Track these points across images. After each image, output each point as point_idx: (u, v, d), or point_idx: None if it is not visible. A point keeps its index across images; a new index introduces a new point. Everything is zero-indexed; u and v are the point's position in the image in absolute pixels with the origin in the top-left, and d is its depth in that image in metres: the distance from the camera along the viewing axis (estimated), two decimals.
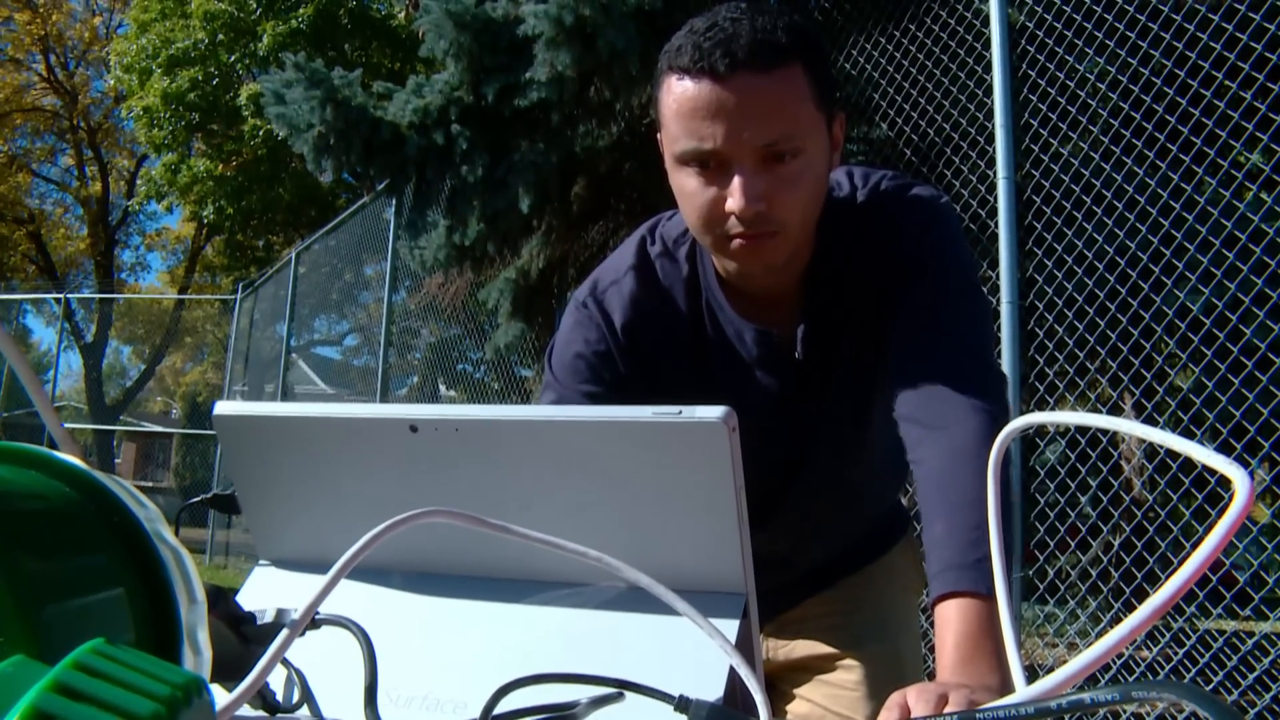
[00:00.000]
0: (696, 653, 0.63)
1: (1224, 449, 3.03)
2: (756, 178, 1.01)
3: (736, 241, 1.05)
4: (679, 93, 1.02)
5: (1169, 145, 3.21)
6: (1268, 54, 2.98)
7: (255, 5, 15.43)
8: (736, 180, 1.01)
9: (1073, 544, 3.64)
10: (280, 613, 0.59)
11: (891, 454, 1.39)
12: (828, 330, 1.19)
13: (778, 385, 1.21)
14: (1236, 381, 3.03)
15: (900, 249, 1.13)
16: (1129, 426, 0.61)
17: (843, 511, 1.36)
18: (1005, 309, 3.18)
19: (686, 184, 1.06)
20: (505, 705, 0.62)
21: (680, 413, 0.62)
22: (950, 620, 0.91)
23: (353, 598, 0.72)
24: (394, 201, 6.62)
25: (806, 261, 1.16)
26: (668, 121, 1.05)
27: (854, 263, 1.16)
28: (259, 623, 0.59)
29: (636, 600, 0.65)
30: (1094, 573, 3.62)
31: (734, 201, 1.01)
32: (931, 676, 0.96)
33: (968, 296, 1.13)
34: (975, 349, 1.10)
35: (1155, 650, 3.52)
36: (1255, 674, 2.95)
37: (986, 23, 3.54)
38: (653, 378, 1.21)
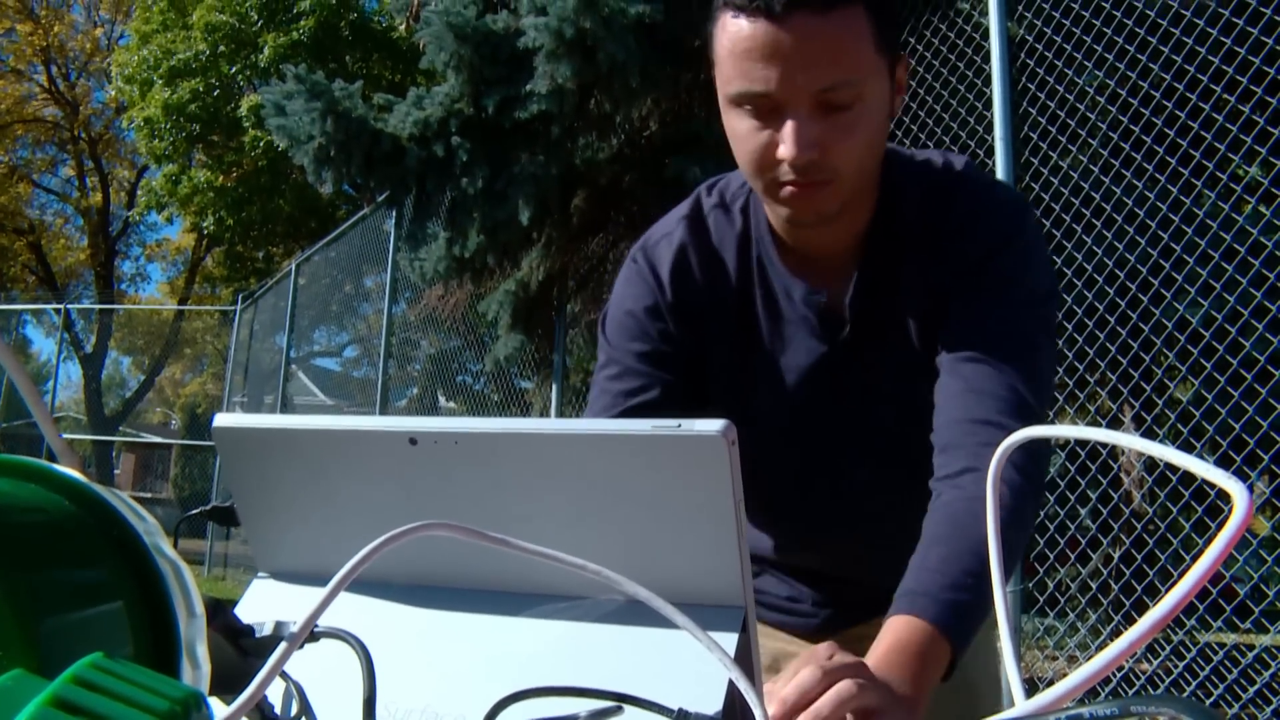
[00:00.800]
0: (695, 666, 0.63)
1: (1223, 462, 3.03)
2: (810, 124, 0.96)
3: (788, 189, 1.01)
4: (733, 31, 0.97)
5: (1168, 158, 3.22)
6: (1265, 68, 2.99)
7: (256, 17, 15.48)
8: (789, 126, 0.97)
9: (1072, 557, 3.63)
10: (279, 625, 0.59)
11: None
12: (882, 298, 1.12)
13: (825, 353, 1.14)
14: (1236, 394, 3.03)
15: (975, 245, 1.07)
16: (1128, 440, 0.61)
17: (908, 528, 1.28)
18: None
19: (738, 126, 1.02)
20: (504, 718, 0.62)
21: (679, 426, 0.62)
22: (896, 630, 0.84)
23: (352, 610, 0.72)
24: (394, 213, 6.64)
25: (868, 219, 1.11)
26: (721, 61, 1.01)
27: (925, 236, 1.10)
28: (257, 635, 0.59)
29: (635, 613, 0.65)
30: (1094, 585, 3.61)
31: (786, 149, 0.97)
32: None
33: (1030, 340, 1.06)
34: (1027, 389, 1.01)
35: (1155, 663, 3.51)
36: (1255, 687, 2.95)
37: (986, 36, 3.56)
38: (698, 340, 1.16)
